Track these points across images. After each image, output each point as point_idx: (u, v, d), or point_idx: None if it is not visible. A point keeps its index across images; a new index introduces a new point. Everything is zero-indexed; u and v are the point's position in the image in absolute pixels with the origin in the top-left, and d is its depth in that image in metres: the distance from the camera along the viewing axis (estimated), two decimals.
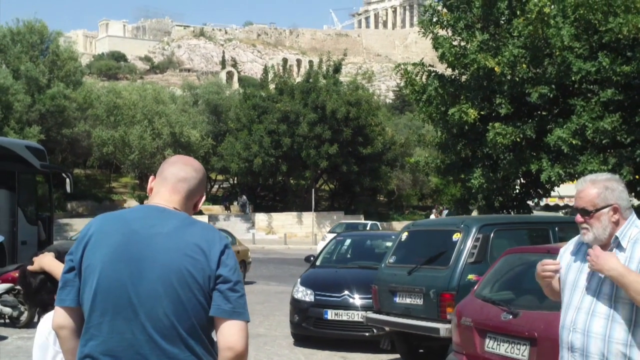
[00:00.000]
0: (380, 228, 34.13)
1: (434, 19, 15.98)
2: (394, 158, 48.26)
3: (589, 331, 3.40)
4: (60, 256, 3.62)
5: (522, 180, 16.59)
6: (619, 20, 12.82)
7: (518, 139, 14.54)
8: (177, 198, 2.90)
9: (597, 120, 13.56)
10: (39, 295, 3.67)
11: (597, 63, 13.62)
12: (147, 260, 2.72)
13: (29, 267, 3.68)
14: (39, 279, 3.65)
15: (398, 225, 48.30)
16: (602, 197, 3.45)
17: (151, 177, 3.01)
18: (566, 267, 3.67)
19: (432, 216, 44.67)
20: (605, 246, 3.47)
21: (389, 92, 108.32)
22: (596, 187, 3.47)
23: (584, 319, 3.43)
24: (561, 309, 3.65)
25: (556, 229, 9.66)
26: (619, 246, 3.44)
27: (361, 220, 41.27)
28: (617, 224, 3.45)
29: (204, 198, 3.05)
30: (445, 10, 16.18)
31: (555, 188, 16.43)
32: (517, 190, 16.87)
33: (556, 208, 27.71)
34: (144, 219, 2.81)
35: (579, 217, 3.50)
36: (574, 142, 13.66)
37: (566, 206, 28.46)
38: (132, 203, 51.47)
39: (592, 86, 14.03)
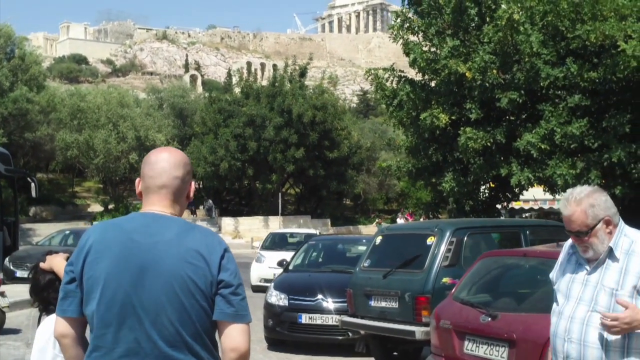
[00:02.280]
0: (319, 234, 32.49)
1: (405, 25, 16.11)
2: (360, 162, 48.38)
3: (585, 341, 3.40)
4: None
5: (491, 185, 16.78)
6: (586, 27, 13.02)
7: (489, 144, 14.73)
8: (167, 203, 2.91)
9: (565, 125, 13.76)
10: (44, 292, 3.79)
11: (564, 69, 13.83)
12: (150, 269, 2.75)
13: (41, 265, 3.81)
14: (47, 277, 3.77)
15: (364, 229, 48.43)
16: (592, 215, 3.43)
17: (138, 180, 3.00)
18: (559, 273, 3.69)
19: (399, 220, 44.83)
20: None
21: (354, 96, 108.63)
22: (582, 206, 3.44)
23: (579, 329, 3.43)
24: (552, 315, 3.66)
25: (527, 232, 9.85)
26: (611, 256, 3.43)
27: (305, 227, 40.38)
28: (611, 233, 3.46)
29: (193, 185, 3.04)
30: (416, 16, 16.33)
31: (524, 192, 16.65)
32: (487, 194, 17.06)
33: (521, 211, 28.00)
34: (143, 227, 2.83)
35: (576, 239, 3.49)
36: (543, 146, 13.85)
37: (531, 209, 28.79)
38: (96, 207, 50.90)
39: (559, 92, 14.24)
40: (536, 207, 27.46)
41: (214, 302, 2.78)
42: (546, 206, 26.39)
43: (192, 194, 3.04)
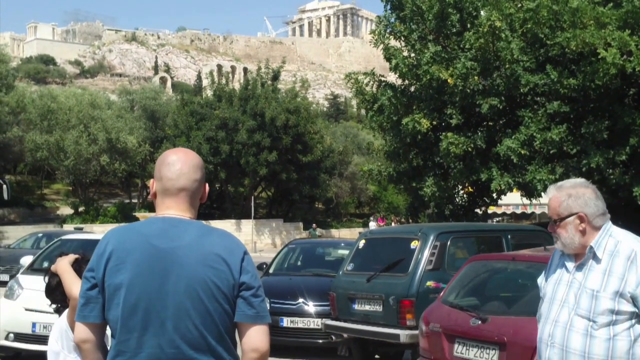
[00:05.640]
0: None
1: (387, 30, 16.18)
2: (332, 166, 48.39)
3: (567, 347, 3.26)
4: (80, 262, 3.79)
5: (469, 189, 16.91)
6: (566, 35, 13.18)
7: (469, 149, 14.84)
8: (185, 206, 2.93)
9: (544, 131, 13.93)
10: (55, 293, 3.91)
11: (544, 76, 13.99)
12: (172, 275, 2.77)
13: (52, 267, 3.91)
14: (56, 280, 3.87)
15: (336, 232, 48.52)
16: (565, 205, 3.31)
17: (151, 181, 3.01)
18: (546, 277, 3.54)
19: (371, 224, 44.90)
20: (580, 256, 3.34)
21: (325, 100, 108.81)
22: (559, 194, 3.34)
23: (561, 334, 3.29)
24: (537, 320, 3.54)
25: (509, 236, 9.93)
26: (594, 257, 3.29)
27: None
28: (584, 232, 3.30)
29: (207, 187, 3.09)
30: (398, 22, 16.39)
31: (503, 196, 16.81)
32: (464, 199, 17.18)
33: (493, 216, 28.32)
34: (163, 232, 2.84)
35: (550, 226, 3.39)
36: (522, 152, 14.01)
37: (503, 214, 29.11)
38: (65, 210, 50.28)
39: (539, 98, 14.40)
40: (509, 212, 27.77)
41: (235, 304, 2.82)
42: (518, 210, 26.68)
43: (206, 196, 3.05)
